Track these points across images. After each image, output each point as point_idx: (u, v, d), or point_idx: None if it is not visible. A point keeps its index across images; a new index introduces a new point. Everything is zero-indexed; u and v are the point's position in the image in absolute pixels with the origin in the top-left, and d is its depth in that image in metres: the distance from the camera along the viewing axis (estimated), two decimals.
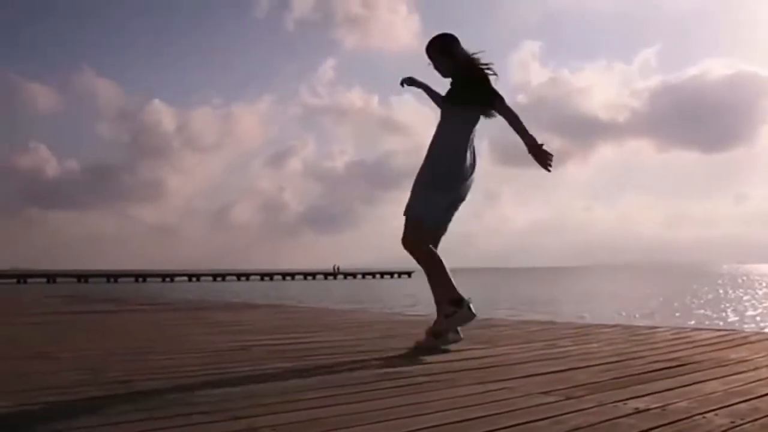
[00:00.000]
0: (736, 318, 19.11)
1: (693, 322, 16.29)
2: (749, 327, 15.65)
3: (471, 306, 3.85)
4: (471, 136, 3.98)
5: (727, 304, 25.69)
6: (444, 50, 3.99)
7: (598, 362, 3.23)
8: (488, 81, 3.93)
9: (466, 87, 3.95)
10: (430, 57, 4.02)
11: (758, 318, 19.50)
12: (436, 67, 4.03)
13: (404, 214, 3.98)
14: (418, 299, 30.97)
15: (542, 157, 3.73)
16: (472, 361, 3.33)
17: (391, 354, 3.64)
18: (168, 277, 73.19)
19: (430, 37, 4.03)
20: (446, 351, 3.67)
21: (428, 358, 3.41)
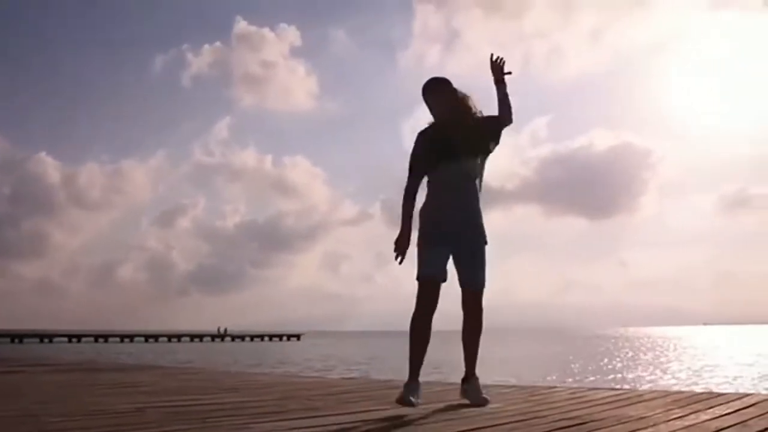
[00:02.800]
0: (674, 381, 19.69)
1: (632, 386, 16.62)
2: (699, 387, 16.00)
3: None
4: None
5: (655, 366, 26.74)
6: (448, 87, 3.97)
7: (502, 422, 3.27)
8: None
9: (484, 135, 4.00)
10: (433, 89, 3.97)
11: (692, 376, 20.18)
12: (434, 103, 3.98)
13: (479, 288, 4.05)
14: (312, 362, 30.61)
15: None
16: (378, 422, 3.34)
17: (293, 416, 3.60)
18: (47, 337, 69.36)
19: (429, 78, 4.01)
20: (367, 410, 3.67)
21: (331, 420, 3.40)
